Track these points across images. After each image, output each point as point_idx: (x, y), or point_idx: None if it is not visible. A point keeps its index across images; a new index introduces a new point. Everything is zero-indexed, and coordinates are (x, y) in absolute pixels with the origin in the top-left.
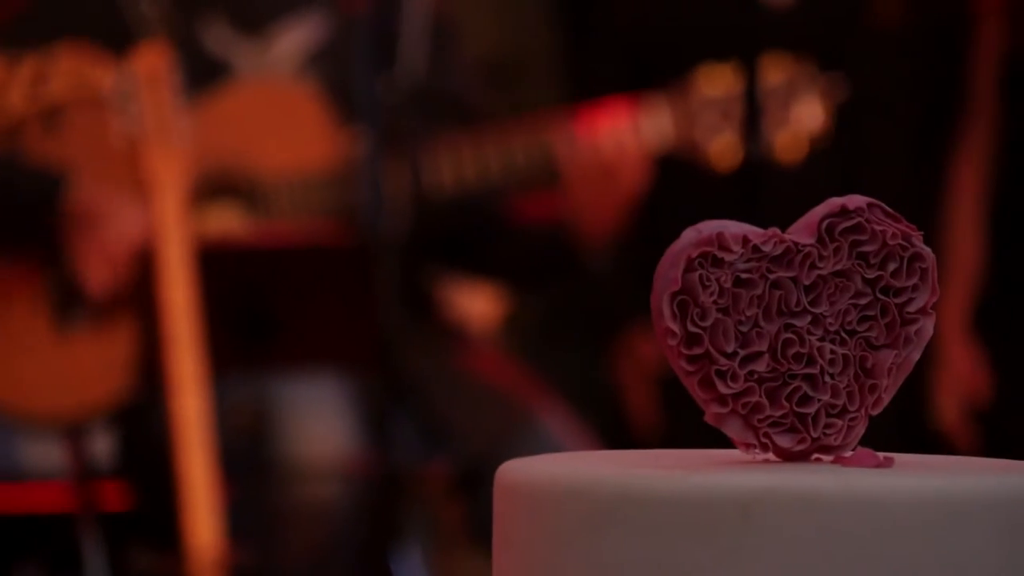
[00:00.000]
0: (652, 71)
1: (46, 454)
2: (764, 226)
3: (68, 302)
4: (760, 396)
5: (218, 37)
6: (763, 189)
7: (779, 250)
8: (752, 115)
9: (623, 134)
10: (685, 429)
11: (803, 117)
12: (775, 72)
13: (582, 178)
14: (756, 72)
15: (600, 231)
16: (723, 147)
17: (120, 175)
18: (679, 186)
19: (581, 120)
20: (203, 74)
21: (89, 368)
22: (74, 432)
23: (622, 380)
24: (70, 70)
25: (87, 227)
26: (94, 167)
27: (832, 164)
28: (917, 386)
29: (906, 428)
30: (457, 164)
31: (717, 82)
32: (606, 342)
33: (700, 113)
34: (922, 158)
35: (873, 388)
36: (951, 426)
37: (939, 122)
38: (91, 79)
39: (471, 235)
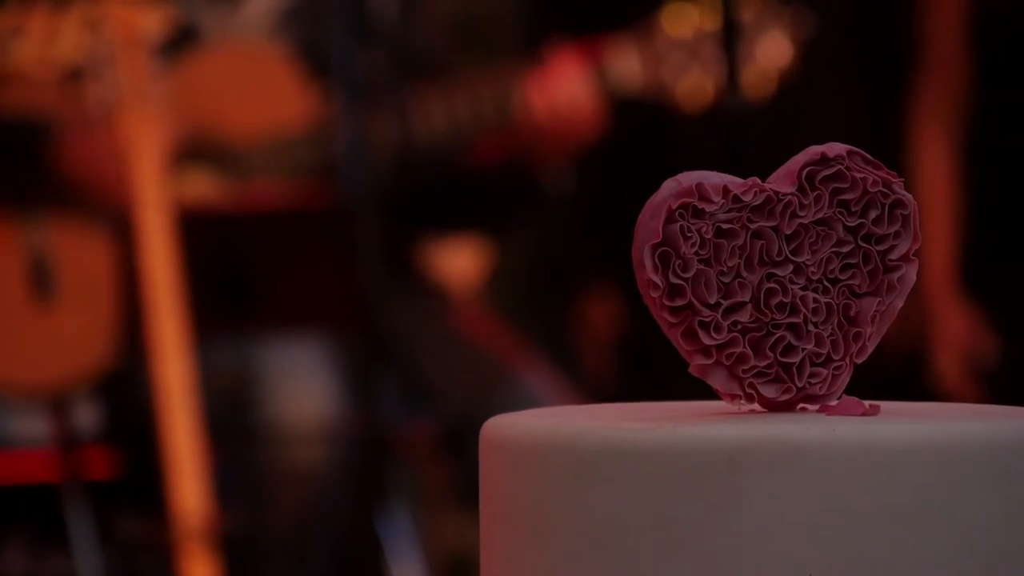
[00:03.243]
0: (616, 12)
1: (30, 423)
2: (738, 168)
3: (44, 271)
4: (744, 346)
5: (187, 1)
6: (735, 128)
7: (759, 199)
8: (725, 52)
9: (575, 82)
10: (641, 393)
11: (770, 53)
12: (741, 8)
13: (536, 127)
14: (722, 9)
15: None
16: (691, 87)
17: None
18: (650, 128)
19: (535, 69)
20: (173, 39)
21: (71, 338)
22: (58, 402)
23: (579, 344)
24: (121, 17)
25: (96, 154)
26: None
27: (802, 106)
28: (916, 349)
29: (907, 392)
30: (428, 118)
31: (682, 21)
32: (565, 305)
33: (666, 53)
34: (884, 110)
35: (857, 336)
36: (953, 387)
37: (897, 73)
38: (141, 25)
39: (442, 187)
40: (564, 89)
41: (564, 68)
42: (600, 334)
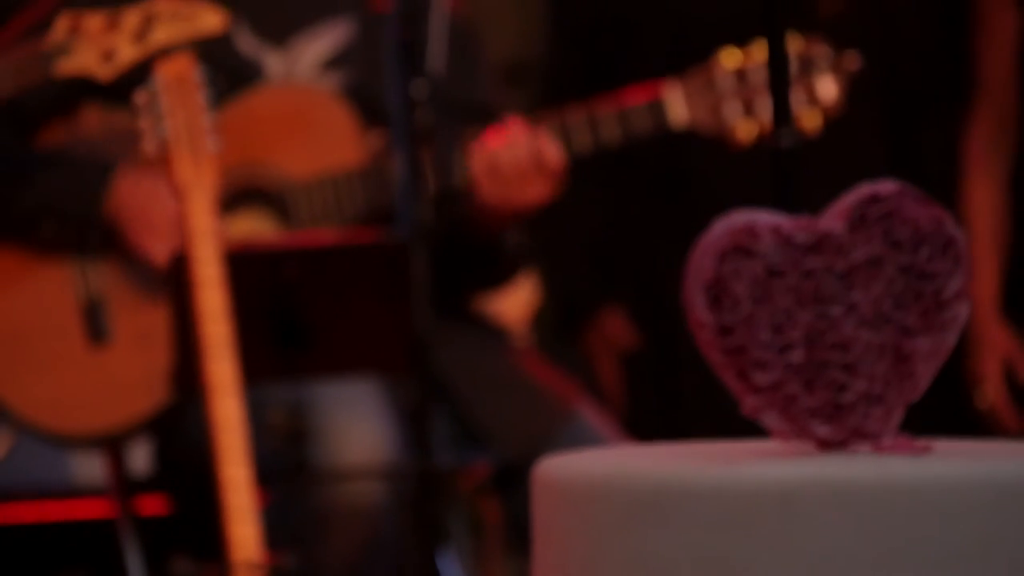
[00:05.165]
0: (669, 55)
1: (90, 466)
2: (792, 202)
3: (99, 316)
4: (796, 386)
5: (243, 46)
6: (786, 167)
7: (811, 239)
8: (775, 93)
9: (521, 147)
10: (650, 405)
11: (817, 91)
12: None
13: (486, 188)
14: (770, 49)
15: (500, 227)
16: (744, 125)
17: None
18: (706, 164)
19: (489, 132)
20: (228, 82)
21: (126, 383)
22: (115, 445)
23: (591, 356)
24: (174, 12)
25: (140, 205)
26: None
27: (844, 138)
28: (960, 371)
29: (953, 413)
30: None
31: (734, 63)
32: (577, 321)
33: (720, 94)
34: (935, 139)
35: (910, 375)
36: (997, 408)
37: (948, 104)
38: (196, 20)
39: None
40: (510, 152)
41: (509, 131)
42: (614, 346)
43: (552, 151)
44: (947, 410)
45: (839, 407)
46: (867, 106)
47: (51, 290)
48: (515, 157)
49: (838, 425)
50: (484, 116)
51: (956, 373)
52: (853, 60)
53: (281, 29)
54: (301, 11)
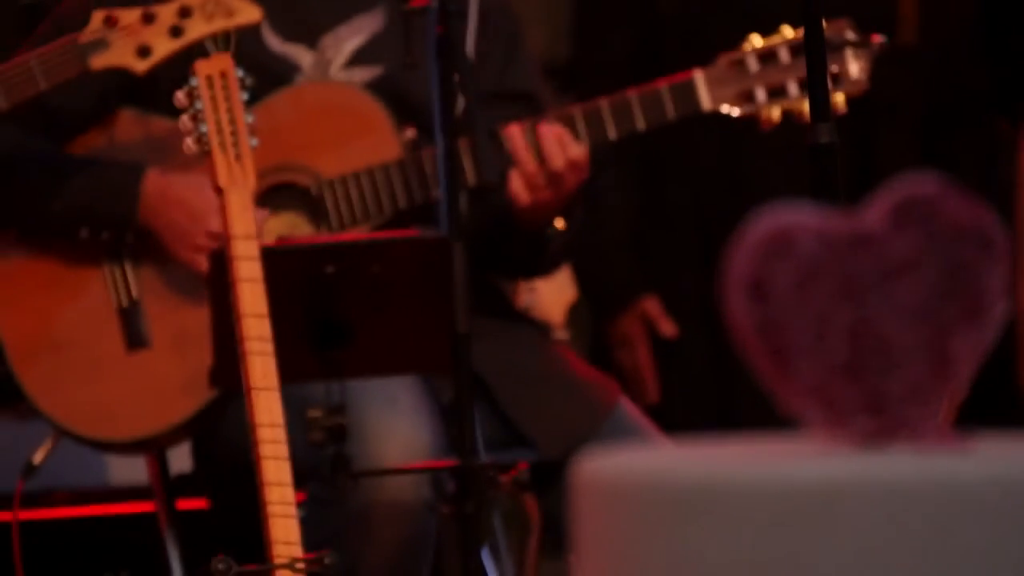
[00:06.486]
0: (697, 43)
1: (132, 465)
2: (824, 195)
3: (137, 320)
4: (837, 383)
5: (274, 45)
6: (820, 155)
7: (851, 236)
8: (808, 78)
9: (557, 142)
10: (679, 396)
11: (842, 72)
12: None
13: (523, 182)
14: (804, 35)
15: (536, 222)
16: (771, 108)
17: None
18: (740, 151)
19: (522, 125)
20: (261, 81)
21: (168, 387)
22: (156, 448)
23: (624, 344)
24: (209, 6)
25: (171, 218)
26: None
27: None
28: (1015, 369)
29: (1009, 410)
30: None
31: (760, 46)
32: (613, 309)
33: (747, 77)
34: (993, 139)
35: (951, 371)
36: None
37: (1007, 106)
38: (231, 14)
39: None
40: (550, 145)
41: (550, 125)
42: (648, 344)
43: (578, 148)
44: (1006, 414)
45: (880, 405)
46: (909, 117)
47: (88, 296)
48: (556, 158)
49: (879, 423)
50: (528, 104)
51: (1014, 378)
52: (878, 40)
53: (311, 28)
54: (331, 9)
